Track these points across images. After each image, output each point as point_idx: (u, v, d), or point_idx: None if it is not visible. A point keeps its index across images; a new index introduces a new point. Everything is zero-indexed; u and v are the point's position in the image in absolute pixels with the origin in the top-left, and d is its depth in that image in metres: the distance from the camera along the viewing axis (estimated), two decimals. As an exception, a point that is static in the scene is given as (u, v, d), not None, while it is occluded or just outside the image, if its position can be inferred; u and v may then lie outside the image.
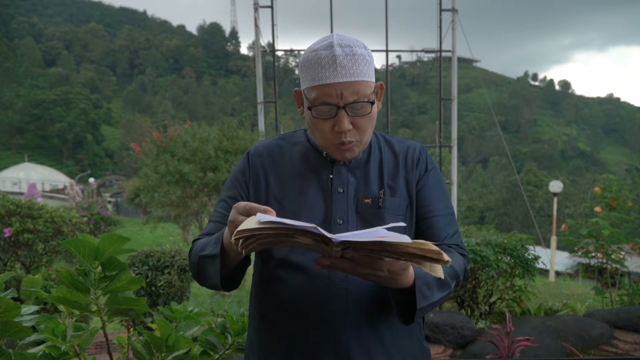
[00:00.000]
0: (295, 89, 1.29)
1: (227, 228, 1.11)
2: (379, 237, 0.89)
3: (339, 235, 0.92)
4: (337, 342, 1.18)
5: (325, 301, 1.18)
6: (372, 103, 1.19)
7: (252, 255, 1.30)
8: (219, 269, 1.15)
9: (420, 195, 1.29)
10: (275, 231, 0.91)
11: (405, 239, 0.89)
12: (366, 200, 1.25)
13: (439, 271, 0.94)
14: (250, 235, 0.92)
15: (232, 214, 1.04)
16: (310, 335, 1.19)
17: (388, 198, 1.25)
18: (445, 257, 0.89)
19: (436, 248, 0.89)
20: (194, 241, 1.30)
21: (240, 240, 0.93)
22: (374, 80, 1.21)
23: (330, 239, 0.90)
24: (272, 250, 1.24)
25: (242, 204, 1.04)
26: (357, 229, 1.22)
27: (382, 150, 1.32)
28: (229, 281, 1.22)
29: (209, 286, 1.25)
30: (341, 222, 1.23)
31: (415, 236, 1.30)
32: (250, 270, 1.37)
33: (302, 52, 1.25)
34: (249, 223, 0.94)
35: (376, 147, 1.33)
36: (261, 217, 0.93)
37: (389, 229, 0.96)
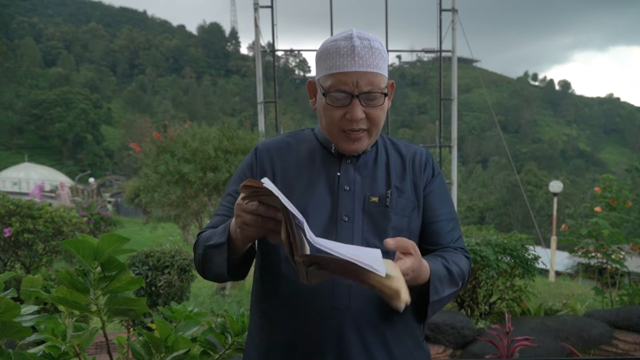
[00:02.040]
0: (309, 80, 1.32)
1: (233, 218, 1.12)
2: (354, 259, 0.89)
3: (321, 242, 0.92)
4: (339, 338, 1.19)
5: (328, 297, 1.19)
6: (385, 95, 1.23)
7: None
8: (225, 257, 1.16)
9: (427, 201, 1.32)
10: (272, 196, 0.93)
11: (379, 272, 0.89)
12: (373, 199, 1.26)
13: (399, 305, 0.96)
14: (258, 189, 0.95)
15: (240, 198, 1.06)
16: (312, 331, 1.20)
17: (395, 198, 1.27)
18: (403, 297, 0.93)
19: (396, 288, 0.92)
20: (199, 234, 1.32)
21: (247, 191, 0.97)
22: (387, 76, 1.25)
23: (298, 249, 0.90)
24: (276, 245, 1.25)
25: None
26: (363, 227, 1.24)
27: (388, 152, 1.35)
28: (236, 271, 1.23)
29: (213, 276, 1.26)
30: (347, 219, 1.24)
31: (420, 239, 1.32)
32: (250, 269, 1.37)
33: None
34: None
35: (382, 148, 1.35)
36: (266, 182, 0.95)
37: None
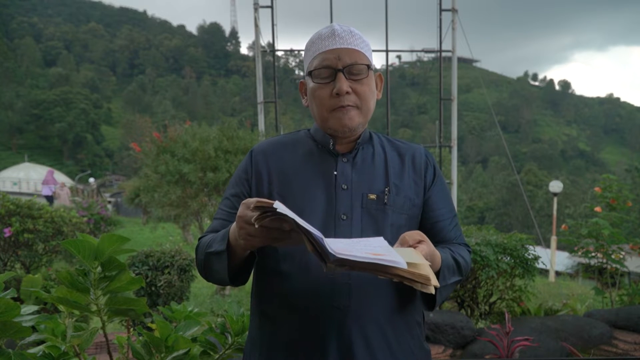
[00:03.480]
0: (300, 80, 1.36)
1: (233, 224, 1.13)
2: (376, 258, 0.93)
3: (338, 248, 0.94)
4: (340, 338, 1.19)
5: (328, 297, 1.19)
6: (369, 67, 1.27)
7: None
8: (226, 264, 1.17)
9: (430, 202, 1.34)
10: (287, 220, 0.95)
11: (401, 264, 0.93)
12: (371, 197, 1.27)
13: (430, 289, 0.99)
14: (269, 210, 0.95)
15: (241, 209, 1.05)
16: (312, 330, 1.20)
17: (393, 196, 1.28)
18: (433, 282, 0.95)
19: (426, 274, 0.95)
20: (199, 238, 1.33)
21: (258, 212, 0.97)
22: (371, 61, 1.29)
23: (328, 256, 0.92)
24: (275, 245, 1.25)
25: (252, 200, 1.04)
26: (362, 225, 1.24)
27: (385, 150, 1.35)
28: (237, 276, 1.24)
29: (216, 282, 1.28)
30: (345, 217, 1.24)
31: None
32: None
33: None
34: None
35: (379, 147, 1.36)
36: (279, 206, 0.94)
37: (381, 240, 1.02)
